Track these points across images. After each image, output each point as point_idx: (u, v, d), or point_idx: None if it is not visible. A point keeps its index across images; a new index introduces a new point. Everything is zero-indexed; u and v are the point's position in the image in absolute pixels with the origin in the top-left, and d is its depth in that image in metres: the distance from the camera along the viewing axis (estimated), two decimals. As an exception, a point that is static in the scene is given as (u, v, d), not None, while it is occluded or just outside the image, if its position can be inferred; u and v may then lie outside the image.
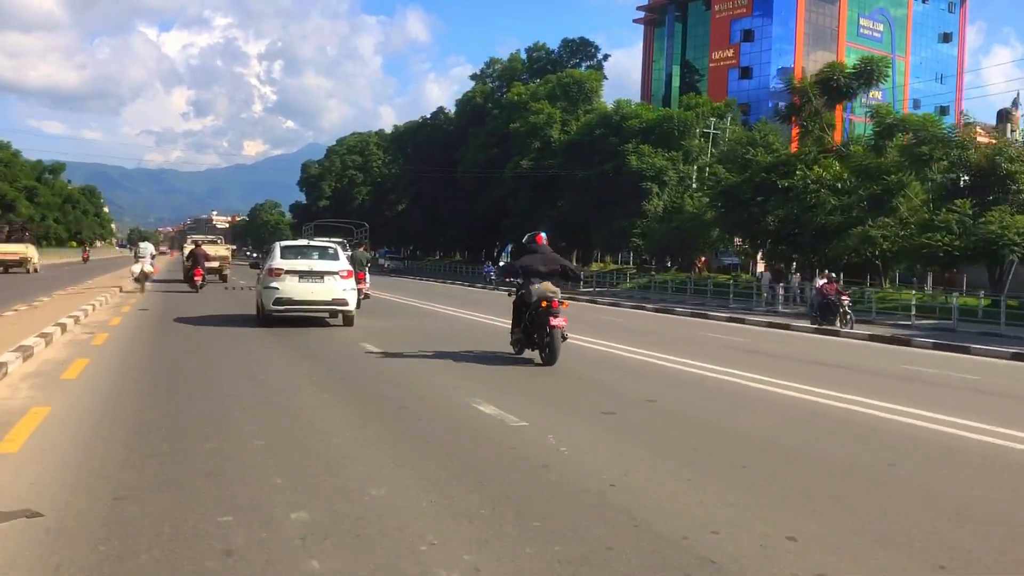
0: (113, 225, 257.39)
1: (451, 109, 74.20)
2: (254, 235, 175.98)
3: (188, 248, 31.40)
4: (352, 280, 15.07)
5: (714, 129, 48.18)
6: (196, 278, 25.69)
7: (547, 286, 10.60)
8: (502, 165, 56.71)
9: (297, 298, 14.48)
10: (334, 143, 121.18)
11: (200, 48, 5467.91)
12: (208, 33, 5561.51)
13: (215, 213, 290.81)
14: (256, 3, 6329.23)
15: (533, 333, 10.54)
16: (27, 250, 39.32)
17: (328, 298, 14.71)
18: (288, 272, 14.53)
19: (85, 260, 63.79)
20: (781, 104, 36.35)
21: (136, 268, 25.20)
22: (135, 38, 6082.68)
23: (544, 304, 10.32)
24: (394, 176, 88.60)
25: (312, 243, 17.44)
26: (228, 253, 38.15)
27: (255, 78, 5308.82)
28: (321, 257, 15.22)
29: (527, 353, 10.98)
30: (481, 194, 60.19)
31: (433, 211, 70.70)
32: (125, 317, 15.97)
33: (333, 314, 15.43)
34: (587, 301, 34.09)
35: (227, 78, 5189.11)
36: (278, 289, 14.39)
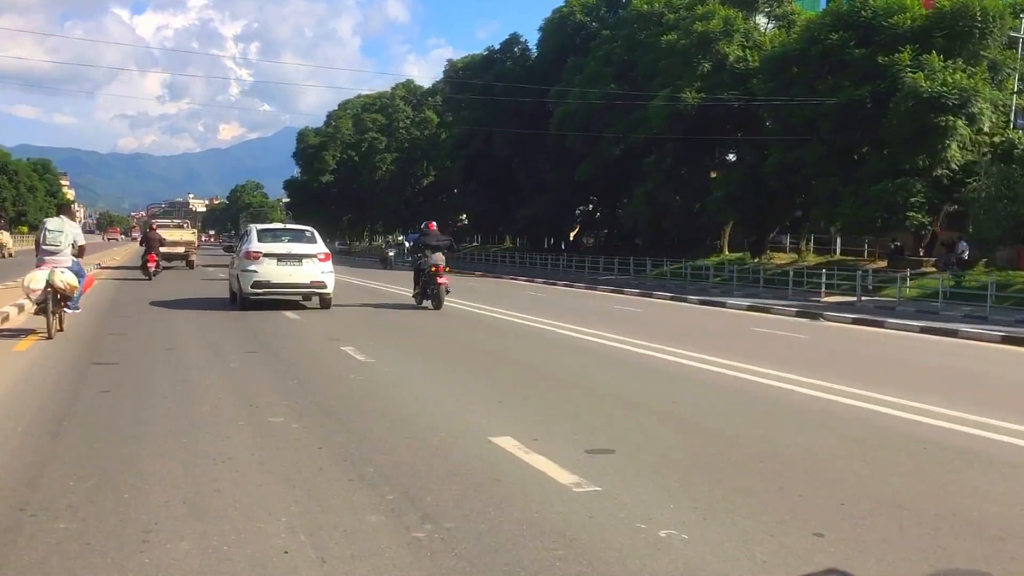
0: (80, 209, 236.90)
1: (530, 38, 53.82)
2: (235, 218, 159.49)
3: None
4: (330, 263, 15.02)
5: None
6: (149, 264, 23.28)
7: (438, 257, 15.72)
8: (625, 109, 37.61)
9: (275, 281, 14.41)
10: (336, 108, 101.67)
11: (175, 30, 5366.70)
12: (183, 14, 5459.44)
13: (191, 196, 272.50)
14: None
15: (427, 288, 15.87)
16: (1, 236, 41.51)
17: (307, 281, 14.69)
18: (266, 255, 14.43)
19: None
20: None
21: (35, 280, 9.90)
22: (108, 19, 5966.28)
23: (434, 269, 15.58)
24: (426, 139, 68.90)
25: (289, 226, 17.67)
26: (194, 238, 35.06)
27: (231, 60, 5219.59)
28: (298, 240, 15.25)
29: (425, 304, 16.08)
30: (589, 152, 41.08)
31: (503, 181, 51.36)
32: None
33: (307, 297, 15.41)
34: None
35: (203, 60, 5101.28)
36: (257, 272, 14.28)
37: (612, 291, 28.07)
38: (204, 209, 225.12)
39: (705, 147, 34.87)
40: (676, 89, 34.24)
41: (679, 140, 35.07)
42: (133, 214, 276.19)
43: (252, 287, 14.22)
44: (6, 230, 45.14)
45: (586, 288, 29.34)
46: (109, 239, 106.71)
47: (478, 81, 48.07)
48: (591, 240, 57.45)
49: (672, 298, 24.61)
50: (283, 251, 14.55)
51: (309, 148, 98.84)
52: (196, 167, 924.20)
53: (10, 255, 40.54)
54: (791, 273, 28.31)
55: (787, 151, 31.05)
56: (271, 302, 14.81)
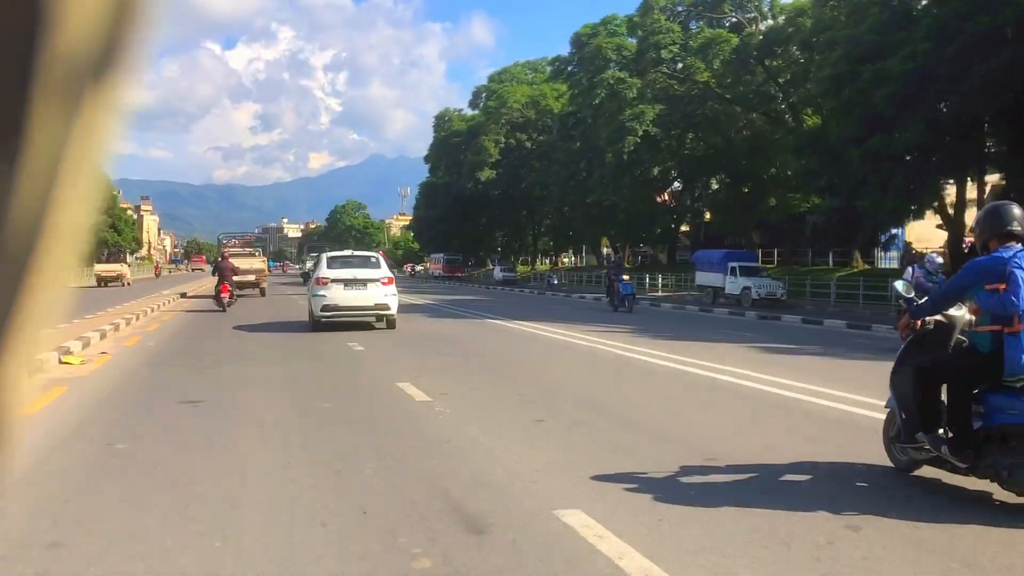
0: (167, 237, 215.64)
1: None
2: (336, 242, 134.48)
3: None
4: (393, 286, 15.90)
5: None
6: (222, 295, 22.28)
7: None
8: None
9: (343, 304, 15.45)
10: (485, 83, 72.35)
11: (266, 62, 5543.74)
12: (274, 47, 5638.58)
13: (285, 221, 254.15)
14: (321, 14, 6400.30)
15: None
16: (122, 268, 45.12)
17: (371, 303, 15.59)
18: (334, 281, 15.47)
19: (157, 275, 65.17)
20: None
21: None
22: (201, 55, 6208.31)
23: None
24: (701, 84, 37.52)
25: (356, 253, 18.22)
26: (264, 266, 34.00)
27: (320, 90, 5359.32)
28: (364, 266, 16.13)
29: None
30: None
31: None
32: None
33: (378, 318, 16.17)
34: None
35: (293, 91, 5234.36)
36: (325, 296, 15.38)
37: None
38: (300, 234, 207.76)
39: None
40: None
41: None
42: (223, 240, 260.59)
43: (321, 310, 15.38)
44: (125, 262, 48.49)
45: None
46: (194, 269, 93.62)
47: None
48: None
49: None
50: (349, 276, 15.51)
51: (454, 136, 69.39)
52: (287, 196, 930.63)
53: (128, 284, 43.07)
54: None
55: None
56: (344, 324, 15.88)
